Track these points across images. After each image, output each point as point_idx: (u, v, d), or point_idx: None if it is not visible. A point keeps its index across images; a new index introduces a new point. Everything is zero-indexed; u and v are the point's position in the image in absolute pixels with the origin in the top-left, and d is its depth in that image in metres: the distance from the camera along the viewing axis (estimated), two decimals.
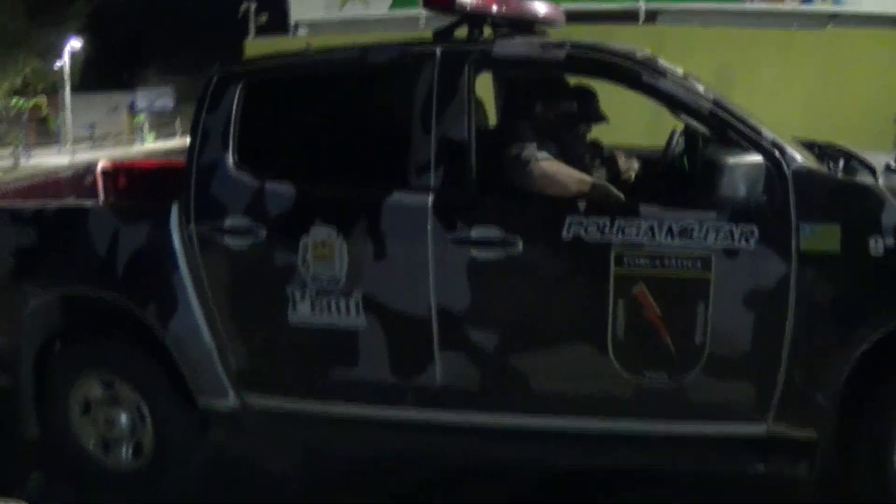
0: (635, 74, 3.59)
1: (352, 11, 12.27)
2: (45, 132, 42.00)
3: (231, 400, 3.97)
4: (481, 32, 3.81)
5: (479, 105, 4.16)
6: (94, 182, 5.15)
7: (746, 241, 3.35)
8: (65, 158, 30.71)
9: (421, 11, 11.58)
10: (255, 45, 12.10)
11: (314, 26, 11.95)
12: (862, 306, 3.35)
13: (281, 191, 3.76)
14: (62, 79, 35.22)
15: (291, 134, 3.96)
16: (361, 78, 3.98)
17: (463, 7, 3.72)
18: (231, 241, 3.80)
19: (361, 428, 3.89)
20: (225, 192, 3.83)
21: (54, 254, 4.05)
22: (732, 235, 3.36)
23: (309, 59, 4.03)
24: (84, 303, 4.08)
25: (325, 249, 3.68)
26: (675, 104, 3.56)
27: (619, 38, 10.49)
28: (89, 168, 5.25)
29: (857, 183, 3.43)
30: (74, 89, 39.95)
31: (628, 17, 11.02)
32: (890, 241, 3.27)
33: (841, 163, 3.82)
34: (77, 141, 39.30)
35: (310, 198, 3.76)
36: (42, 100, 39.52)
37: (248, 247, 3.78)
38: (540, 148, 3.73)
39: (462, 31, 3.83)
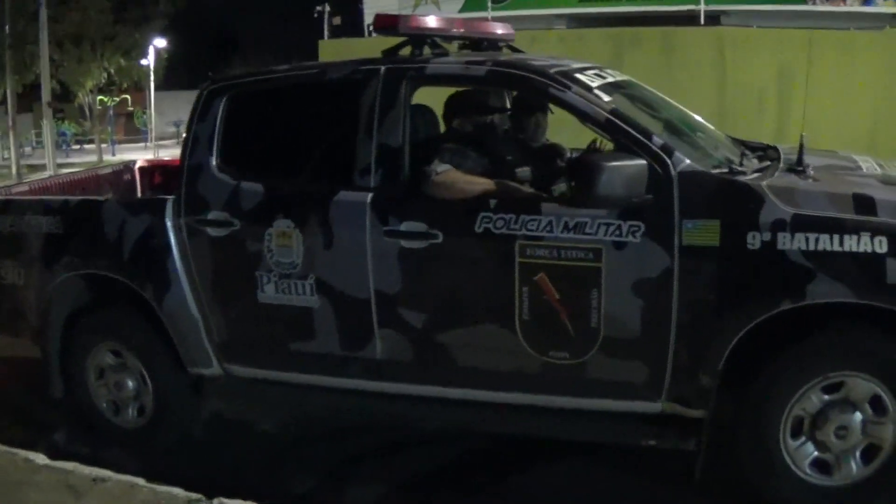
0: (543, 87, 4.02)
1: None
2: (132, 128, 43.32)
3: (215, 368, 4.54)
4: (421, 52, 4.30)
5: (430, 115, 4.65)
6: (133, 178, 5.84)
7: (633, 235, 3.70)
8: (149, 154, 31.09)
9: (489, 13, 12.03)
10: (329, 46, 12.60)
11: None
12: (739, 296, 3.64)
13: (252, 189, 4.32)
14: (147, 76, 36.00)
15: (263, 140, 4.50)
16: (321, 91, 4.49)
17: (405, 29, 4.25)
18: (213, 231, 4.37)
19: (319, 395, 4.40)
20: (209, 189, 4.40)
21: (75, 239, 4.70)
22: (621, 230, 3.72)
23: (280, 74, 4.59)
24: (99, 282, 4.72)
25: (285, 239, 4.22)
26: (577, 113, 3.95)
27: (681, 41, 10.74)
28: (128, 166, 5.95)
29: (739, 182, 3.71)
30: (159, 87, 40.90)
31: (690, 19, 11.14)
32: (767, 236, 3.54)
33: (758, 162, 4.12)
34: (163, 137, 40.40)
35: (274, 195, 4.29)
36: (127, 97, 40.88)
37: (225, 236, 4.35)
38: (459, 157, 4.16)
39: None
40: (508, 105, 4.90)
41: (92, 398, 4.85)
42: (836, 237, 3.51)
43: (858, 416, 3.64)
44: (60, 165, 24.25)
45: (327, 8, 18.10)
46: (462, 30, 4.64)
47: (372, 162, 4.11)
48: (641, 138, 3.80)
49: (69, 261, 4.73)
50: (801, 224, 3.54)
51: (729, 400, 3.79)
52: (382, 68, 4.21)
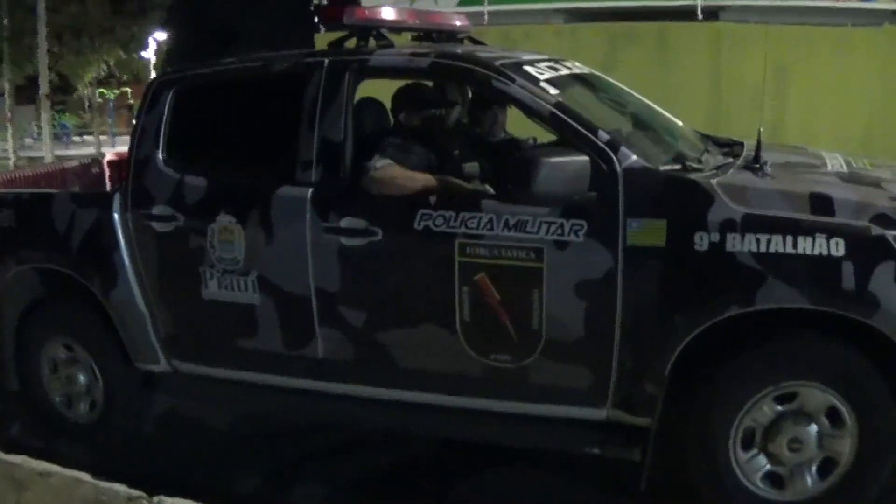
0: (486, 80, 3.80)
1: (421, 7, 12.54)
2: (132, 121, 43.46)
3: (163, 364, 4.38)
4: (366, 43, 4.09)
5: (379, 109, 4.44)
6: (101, 172, 5.69)
7: (576, 234, 3.48)
8: None
9: (485, 7, 11.80)
10: (326, 39, 12.35)
11: None
12: (685, 300, 3.41)
13: (196, 183, 4.15)
14: (146, 69, 35.06)
15: (207, 133, 4.31)
16: (264, 84, 4.29)
17: (350, 20, 4.04)
18: (158, 226, 4.20)
19: (264, 393, 4.22)
20: (154, 183, 4.23)
21: (27, 233, 4.57)
22: (563, 229, 3.49)
23: (226, 67, 4.40)
24: (51, 275, 4.58)
25: (227, 234, 4.04)
26: (520, 106, 3.74)
27: (675, 36, 10.43)
28: (96, 159, 5.80)
29: (687, 179, 3.47)
30: None
31: (688, 14, 10.84)
32: (715, 237, 3.31)
33: (722, 159, 3.88)
34: None
35: (217, 189, 4.12)
36: (128, 90, 40.02)
37: (170, 231, 4.18)
38: (401, 153, 3.95)
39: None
40: (463, 99, 4.66)
41: (46, 392, 4.72)
42: (789, 238, 3.27)
43: (814, 428, 3.41)
44: (60, 157, 24.22)
45: (323, 1, 17.90)
46: (413, 21, 4.41)
47: (313, 156, 3.92)
48: (586, 133, 3.57)
49: (21, 254, 4.61)
50: (752, 224, 3.30)
51: (678, 408, 3.56)
52: (325, 60, 4.01)
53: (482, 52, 4.04)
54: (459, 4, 12.51)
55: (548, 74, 3.91)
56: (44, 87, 23.56)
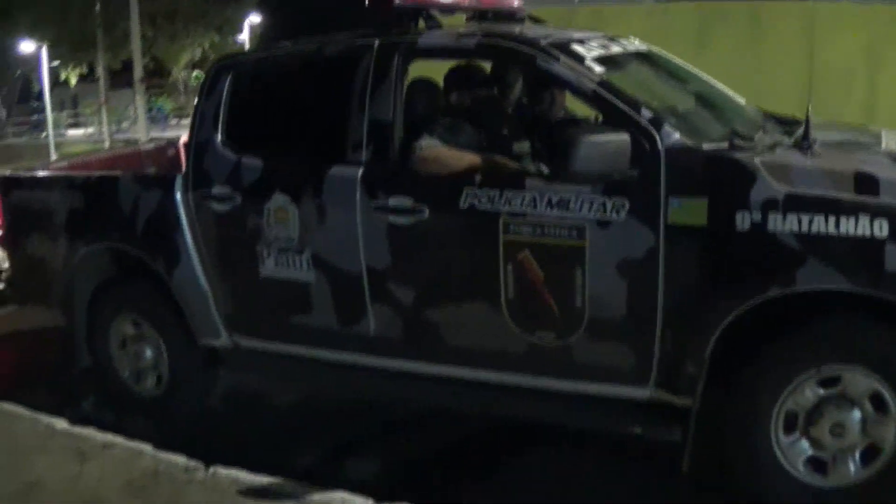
0: (530, 59, 3.80)
1: None
2: None
3: (224, 339, 4.52)
4: (416, 25, 4.13)
5: (432, 89, 4.47)
6: (177, 154, 5.86)
7: (617, 213, 3.47)
8: None
9: None
10: None
11: None
12: (726, 280, 3.37)
13: (252, 164, 4.26)
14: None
15: (264, 115, 4.43)
16: (318, 67, 4.35)
17: (399, 3, 4.10)
18: (217, 206, 4.33)
19: (319, 368, 4.32)
20: (213, 165, 4.37)
21: (96, 214, 4.76)
22: (605, 207, 3.48)
23: (281, 51, 4.50)
24: (119, 255, 4.76)
25: (282, 213, 4.14)
26: (564, 85, 3.77)
27: (768, 15, 10.20)
28: (171, 142, 5.97)
29: (729, 158, 3.42)
30: None
31: None
32: (757, 217, 3.26)
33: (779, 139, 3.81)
34: None
35: (272, 170, 4.22)
36: None
37: (228, 211, 4.30)
38: (449, 132, 3.97)
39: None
40: (521, 79, 4.66)
41: (115, 367, 4.91)
42: (831, 219, 3.19)
43: (857, 413, 3.32)
44: (154, 139, 24.91)
45: None
46: (464, 2, 4.44)
47: (363, 137, 3.98)
48: (629, 111, 3.55)
49: (91, 235, 4.80)
50: (794, 204, 3.24)
51: (721, 390, 3.51)
52: (376, 42, 4.06)
53: (530, 32, 4.04)
54: None
55: (596, 53, 3.89)
56: (138, 72, 24.03)
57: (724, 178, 3.38)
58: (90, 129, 34.80)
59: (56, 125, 33.52)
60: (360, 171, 3.96)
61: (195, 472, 3.99)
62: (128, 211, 4.59)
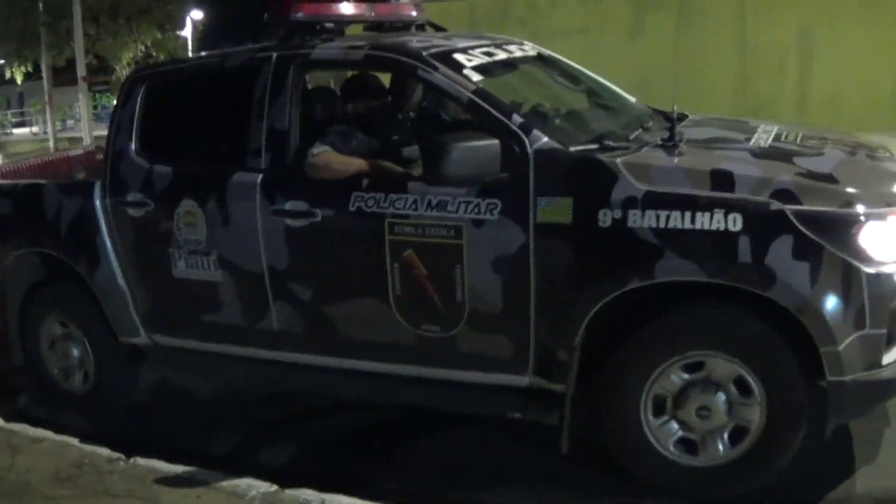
0: (412, 69, 3.99)
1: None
2: None
3: (143, 338, 4.70)
4: (310, 38, 4.30)
5: (332, 98, 4.65)
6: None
7: (491, 213, 3.65)
8: None
9: None
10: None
11: None
12: (590, 274, 3.55)
13: (163, 172, 4.43)
14: (184, 49, 34.12)
15: (173, 125, 4.59)
16: (222, 79, 4.55)
17: (295, 16, 4.28)
18: (132, 212, 4.50)
19: (231, 363, 4.50)
20: (128, 172, 4.53)
21: (23, 219, 4.93)
22: (479, 208, 3.66)
23: (189, 63, 4.69)
24: (45, 258, 4.92)
25: (190, 218, 4.32)
26: (442, 94, 3.94)
27: (700, 1, 10.29)
28: (100, 146, 6.11)
29: (593, 158, 3.60)
30: None
31: None
32: (618, 214, 3.44)
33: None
34: None
35: (181, 177, 4.39)
36: None
37: (142, 216, 4.47)
38: (341, 139, 4.13)
39: None
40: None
41: (46, 365, 5.09)
42: (687, 214, 3.38)
43: (722, 396, 3.52)
44: (99, 137, 24.80)
45: None
46: (359, 14, 4.62)
47: (262, 144, 4.16)
48: (501, 117, 3.73)
49: (19, 240, 4.96)
50: (652, 201, 3.42)
51: (596, 376, 3.72)
52: (273, 55, 4.24)
53: (416, 42, 4.21)
54: None
55: (478, 61, 4.07)
56: (81, 70, 23.73)
57: (587, 177, 3.56)
58: (35, 129, 34.41)
59: (1, 124, 33.03)
60: (260, 177, 4.13)
61: (117, 463, 4.16)
62: (52, 217, 4.75)
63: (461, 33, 4.77)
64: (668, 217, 3.39)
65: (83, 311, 4.85)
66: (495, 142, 3.62)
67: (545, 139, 3.66)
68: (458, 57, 4.04)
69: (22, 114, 41.23)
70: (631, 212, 3.44)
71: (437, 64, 3.93)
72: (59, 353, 5.02)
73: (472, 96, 3.81)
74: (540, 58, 4.75)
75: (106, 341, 4.80)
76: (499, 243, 3.67)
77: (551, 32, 10.28)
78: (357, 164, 4.03)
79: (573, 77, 4.77)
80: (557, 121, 4.13)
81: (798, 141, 4.14)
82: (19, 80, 33.18)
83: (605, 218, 3.48)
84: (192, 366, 4.70)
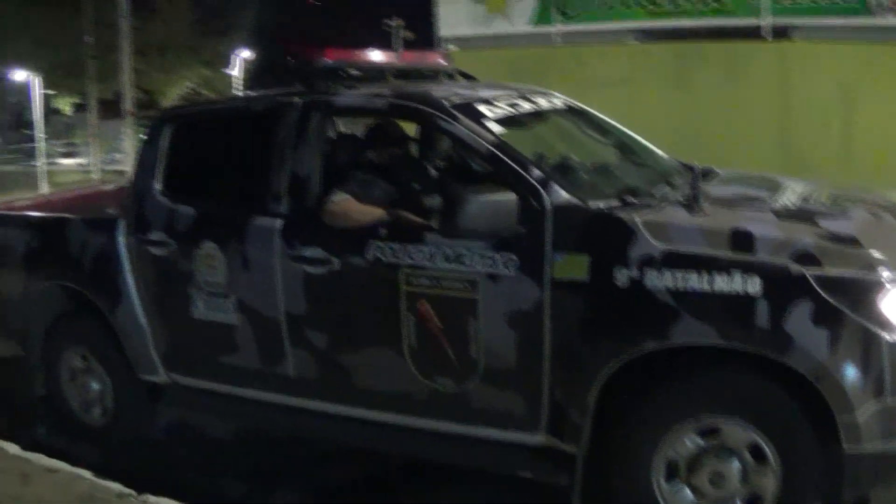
0: (431, 119, 3.99)
1: (496, 28, 12.53)
2: None
3: (162, 375, 4.70)
4: (333, 84, 4.31)
5: (355, 144, 4.65)
6: None
7: (507, 267, 3.61)
8: None
9: (557, 27, 11.84)
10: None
11: (462, 42, 12.16)
12: (605, 334, 3.49)
13: (185, 212, 4.46)
14: (230, 87, 34.54)
15: (197, 165, 4.62)
16: (246, 122, 4.58)
17: (321, 63, 4.31)
18: (154, 251, 4.53)
19: (246, 406, 4.49)
20: (152, 211, 4.57)
21: (48, 252, 4.98)
22: (495, 262, 3.63)
23: (215, 105, 4.72)
24: (69, 292, 4.97)
25: (211, 260, 4.33)
26: (462, 145, 3.92)
27: (744, 56, 10.27)
28: None
29: (610, 216, 3.55)
30: None
31: (759, 33, 10.63)
32: (635, 273, 3.38)
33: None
34: None
35: (202, 218, 4.42)
36: None
37: (164, 255, 4.50)
38: (361, 187, 4.14)
39: None
40: None
41: (66, 397, 5.11)
42: (704, 275, 3.30)
43: (736, 463, 3.40)
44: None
45: (400, 21, 18.15)
46: (384, 62, 4.63)
47: (283, 189, 4.16)
48: (519, 171, 3.70)
49: (44, 272, 5.01)
50: (670, 261, 3.36)
51: (609, 438, 3.63)
52: (297, 100, 4.25)
53: (439, 91, 4.20)
54: (533, 25, 12.53)
55: (501, 112, 4.05)
56: (127, 104, 24.21)
57: (605, 234, 3.51)
58: (82, 160, 35.05)
59: (49, 154, 33.68)
60: (280, 223, 4.13)
61: (128, 498, 4.15)
62: (76, 251, 4.80)
63: (489, 83, 4.76)
64: (685, 277, 3.33)
65: (104, 346, 4.87)
66: (513, 195, 3.59)
67: (564, 194, 3.62)
68: (481, 107, 4.01)
69: (70, 144, 42.01)
70: (648, 271, 3.38)
71: (458, 114, 3.91)
72: (79, 385, 5.04)
73: (491, 148, 3.79)
74: (569, 110, 4.73)
75: (125, 377, 4.82)
76: (514, 298, 3.62)
77: (595, 83, 10.23)
78: (375, 212, 4.01)
79: (602, 130, 4.74)
80: (579, 175, 4.09)
81: (825, 200, 4.05)
82: (67, 110, 33.83)
83: (622, 276, 3.42)
84: (209, 406, 4.69)
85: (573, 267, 3.51)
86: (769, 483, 3.37)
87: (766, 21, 10.41)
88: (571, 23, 12.13)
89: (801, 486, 3.35)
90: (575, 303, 3.52)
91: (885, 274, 3.26)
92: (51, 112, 33.95)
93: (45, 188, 22.17)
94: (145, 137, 4.73)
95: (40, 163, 26.96)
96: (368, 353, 4.02)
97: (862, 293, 3.22)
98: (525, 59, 11.50)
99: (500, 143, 3.80)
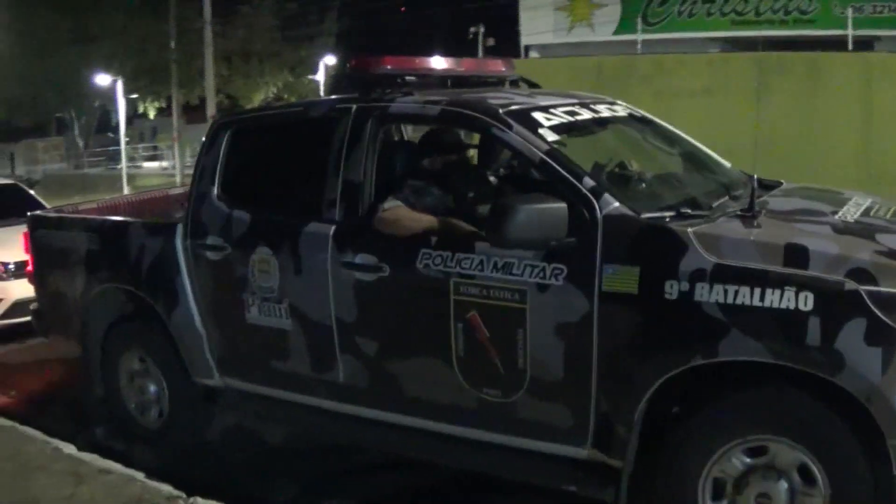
0: (486, 126, 3.98)
1: (579, 36, 12.51)
2: None
3: (217, 379, 4.77)
4: (391, 91, 4.32)
5: (411, 151, 4.65)
6: None
7: (556, 278, 3.58)
8: None
9: (639, 36, 11.78)
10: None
11: (544, 49, 12.16)
12: (653, 348, 3.43)
13: (241, 217, 4.51)
14: (315, 92, 34.81)
15: (253, 171, 4.69)
16: (302, 128, 4.61)
17: (377, 70, 4.32)
18: (211, 255, 4.60)
19: (296, 411, 4.52)
20: (209, 216, 4.64)
21: (109, 255, 5.10)
22: (544, 272, 3.60)
23: (273, 111, 4.77)
24: (128, 294, 5.07)
25: (265, 265, 4.38)
26: (515, 153, 3.90)
27: (826, 67, 10.11)
28: None
29: (662, 227, 3.49)
30: None
31: (842, 44, 10.44)
32: (685, 286, 3.32)
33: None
34: None
35: (257, 224, 4.47)
36: None
37: (220, 260, 4.57)
38: (414, 195, 4.13)
39: None
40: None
41: (123, 398, 5.22)
42: (756, 290, 3.23)
43: (784, 484, 3.31)
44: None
45: (482, 29, 18.17)
46: (442, 69, 4.63)
47: (337, 196, 4.19)
48: (571, 180, 3.66)
49: (104, 275, 5.13)
50: (721, 275, 3.29)
51: (656, 453, 3.57)
52: (353, 107, 4.28)
53: (495, 99, 4.18)
54: (616, 34, 12.49)
55: (558, 121, 4.01)
56: (210, 109, 24.56)
57: (656, 247, 3.46)
58: (165, 163, 35.68)
59: (132, 157, 34.35)
60: (333, 229, 4.16)
61: (176, 501, 4.21)
62: (135, 255, 4.90)
63: (551, 91, 4.71)
64: (735, 292, 3.26)
65: (161, 349, 4.96)
66: (563, 205, 3.56)
67: (616, 204, 3.57)
68: (537, 115, 3.99)
69: (154, 147, 42.90)
70: (699, 285, 3.32)
71: (512, 122, 3.89)
72: (136, 387, 5.14)
73: (544, 156, 3.76)
74: (632, 118, 4.68)
75: (181, 380, 4.90)
76: (562, 310, 3.59)
77: (676, 92, 10.17)
78: (427, 220, 4.02)
79: (666, 139, 4.68)
80: (635, 185, 4.04)
81: (889, 216, 3.93)
82: (151, 114, 34.61)
83: (672, 290, 3.36)
84: (261, 411, 4.74)
85: (624, 279, 3.46)
86: None
87: (850, 32, 10.25)
88: (654, 32, 12.07)
89: None
90: (624, 315, 3.47)
91: None
92: (135, 116, 34.67)
93: (126, 191, 22.67)
94: (204, 143, 4.80)
95: (122, 166, 27.64)
96: (417, 361, 4.02)
97: None
98: (609, 67, 11.46)
99: (552, 151, 3.77)
